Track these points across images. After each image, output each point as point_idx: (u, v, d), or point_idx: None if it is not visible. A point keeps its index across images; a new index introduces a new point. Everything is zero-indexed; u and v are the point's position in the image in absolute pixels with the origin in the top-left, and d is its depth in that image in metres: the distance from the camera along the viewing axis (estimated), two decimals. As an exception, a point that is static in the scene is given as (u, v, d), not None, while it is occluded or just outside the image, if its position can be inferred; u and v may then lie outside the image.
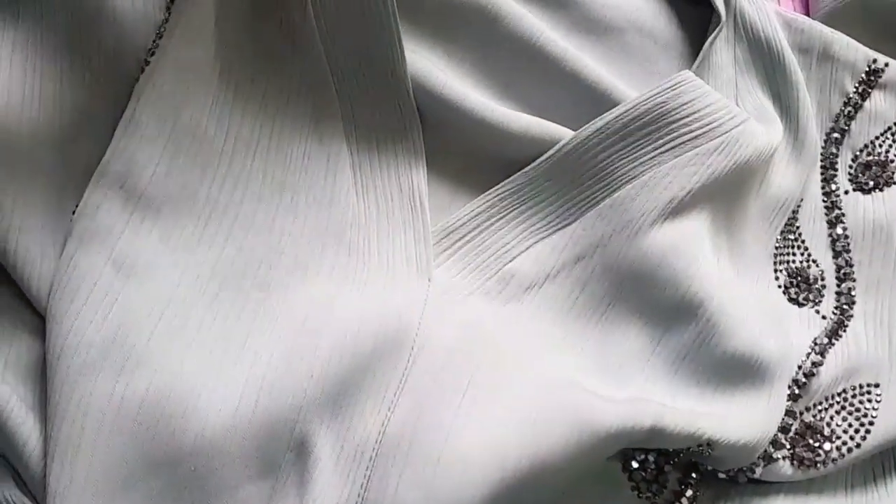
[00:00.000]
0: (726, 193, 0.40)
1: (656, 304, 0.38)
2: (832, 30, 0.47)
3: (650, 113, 0.39)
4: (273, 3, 0.37)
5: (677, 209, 0.38)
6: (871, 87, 0.46)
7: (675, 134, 0.38)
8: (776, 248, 0.42)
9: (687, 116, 0.39)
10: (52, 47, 0.33)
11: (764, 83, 0.45)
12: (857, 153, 0.45)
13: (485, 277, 0.38)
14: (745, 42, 0.45)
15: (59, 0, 0.33)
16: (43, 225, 0.33)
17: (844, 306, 0.42)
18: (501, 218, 0.39)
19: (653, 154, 0.38)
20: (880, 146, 0.45)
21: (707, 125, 0.39)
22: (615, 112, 0.39)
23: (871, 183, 0.44)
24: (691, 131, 0.39)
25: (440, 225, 0.39)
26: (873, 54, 0.46)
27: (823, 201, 0.44)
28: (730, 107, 0.40)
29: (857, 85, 0.46)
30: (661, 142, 0.38)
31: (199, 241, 0.35)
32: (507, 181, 0.40)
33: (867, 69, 0.46)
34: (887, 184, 0.44)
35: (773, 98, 0.44)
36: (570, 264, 0.39)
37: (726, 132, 0.39)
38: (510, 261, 0.39)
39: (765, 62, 0.45)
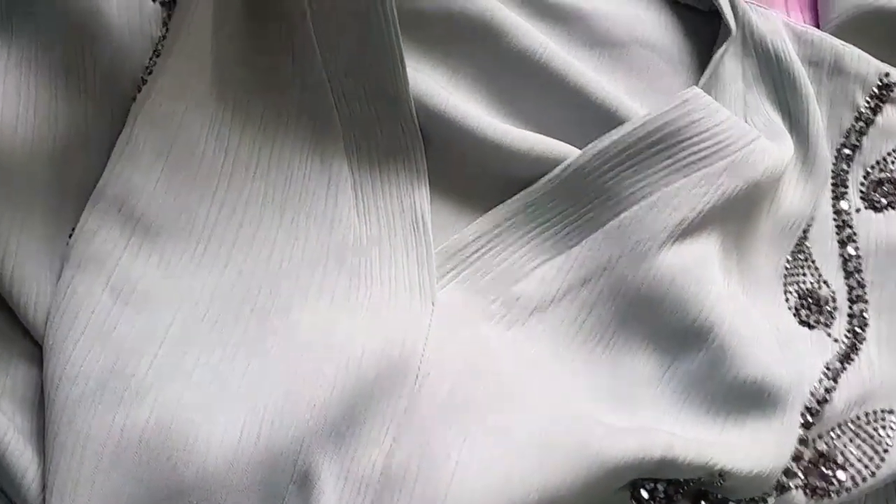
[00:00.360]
0: (736, 214, 0.39)
1: (665, 329, 0.37)
2: (843, 42, 0.46)
3: (658, 132, 0.38)
4: (272, 23, 0.37)
5: (687, 231, 0.37)
6: (884, 102, 0.45)
7: (683, 153, 0.38)
8: (786, 268, 0.42)
9: (696, 135, 0.38)
10: (47, 66, 0.32)
11: (773, 97, 0.44)
12: (869, 170, 0.44)
13: (489, 300, 0.38)
14: (753, 55, 0.44)
15: (54, 18, 0.32)
16: (39, 249, 0.33)
17: (857, 329, 0.41)
18: (505, 239, 0.39)
19: (661, 174, 0.38)
20: (893, 163, 0.44)
21: (717, 144, 0.38)
22: (622, 131, 0.38)
23: (884, 201, 0.43)
24: (700, 150, 0.38)
25: (443, 246, 0.38)
26: (886, 67, 0.45)
27: (834, 220, 0.43)
28: (740, 125, 0.39)
29: (868, 99, 0.45)
30: (669, 161, 0.38)
31: (198, 266, 0.34)
32: (510, 201, 0.39)
33: (879, 83, 0.45)
34: None
35: (783, 113, 0.43)
36: (576, 287, 0.38)
37: (736, 151, 0.38)
38: (515, 283, 0.38)
39: (774, 76, 0.44)
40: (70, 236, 0.33)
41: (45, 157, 0.32)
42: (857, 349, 0.40)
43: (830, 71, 0.45)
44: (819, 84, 0.45)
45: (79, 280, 0.33)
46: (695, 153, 0.38)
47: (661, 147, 0.38)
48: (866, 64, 0.45)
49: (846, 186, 0.44)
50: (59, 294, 0.32)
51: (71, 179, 0.33)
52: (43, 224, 0.33)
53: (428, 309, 0.36)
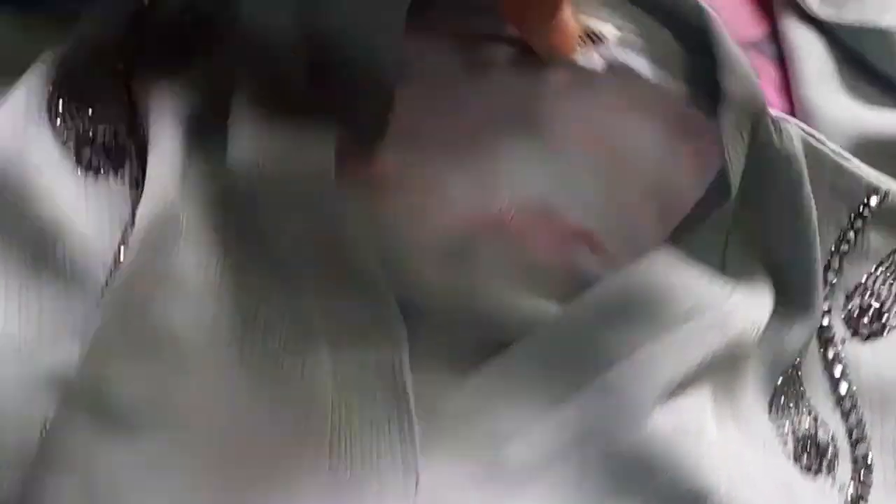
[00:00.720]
0: (724, 365, 0.38)
1: (661, 493, 0.35)
2: (840, 151, 0.43)
3: (637, 292, 0.37)
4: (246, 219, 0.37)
5: (677, 388, 0.36)
6: (866, 222, 0.43)
7: (665, 311, 0.37)
8: (780, 412, 0.40)
9: (676, 293, 0.37)
10: (15, 259, 0.32)
11: (758, 245, 0.42)
12: (850, 295, 0.42)
13: (476, 467, 0.36)
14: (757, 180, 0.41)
15: (21, 214, 0.32)
16: (10, 446, 0.32)
17: (862, 472, 0.39)
18: (489, 401, 0.37)
19: (643, 332, 0.37)
20: (872, 283, 0.42)
21: (698, 302, 0.37)
22: (600, 290, 0.38)
23: (868, 329, 0.42)
24: (682, 309, 0.37)
25: (425, 413, 0.37)
26: (875, 183, 0.43)
27: (823, 354, 0.42)
28: (719, 283, 0.38)
29: (852, 217, 0.43)
30: (651, 321, 0.37)
31: (173, 459, 0.33)
32: (492, 362, 0.38)
33: (864, 201, 0.43)
34: (884, 329, 0.42)
35: (779, 244, 0.41)
36: (565, 450, 0.36)
37: (718, 308, 0.37)
38: (502, 447, 0.37)
39: (780, 206, 0.40)
40: (41, 432, 0.32)
41: (14, 350, 0.32)
42: (865, 498, 0.38)
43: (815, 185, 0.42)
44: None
45: (49, 479, 0.32)
46: (677, 311, 0.37)
47: (642, 306, 0.37)
48: (850, 178, 0.42)
49: (830, 313, 0.42)
50: (28, 495, 0.31)
51: (41, 373, 0.33)
52: (15, 421, 0.32)
53: (412, 485, 0.35)
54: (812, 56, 0.50)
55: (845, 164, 0.43)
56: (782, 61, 0.51)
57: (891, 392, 0.40)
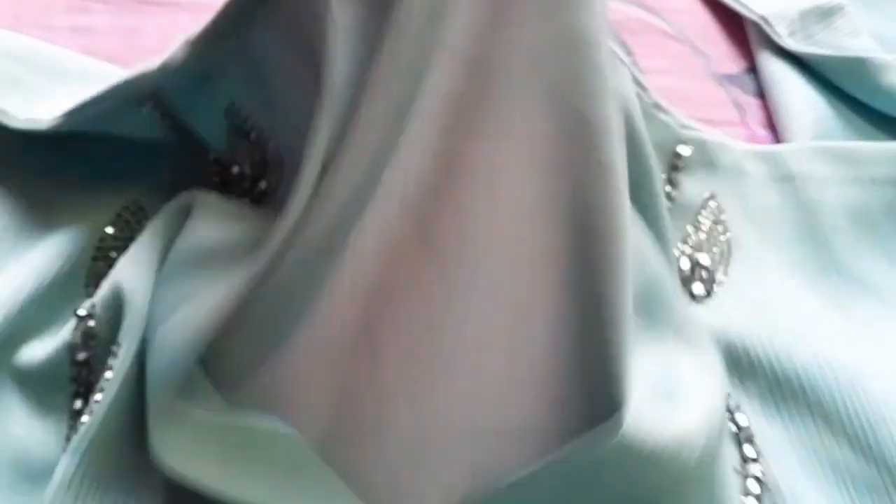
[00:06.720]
0: None
1: None
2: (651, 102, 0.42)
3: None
4: None
5: None
6: (679, 171, 0.41)
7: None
8: None
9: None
10: None
11: None
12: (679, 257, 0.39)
13: None
14: None
15: None
16: None
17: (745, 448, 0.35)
18: None
19: None
20: (696, 234, 0.39)
21: None
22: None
23: (702, 290, 0.39)
24: None
25: None
26: (682, 132, 0.41)
27: None
28: None
29: (668, 169, 0.41)
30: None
31: None
32: None
33: (675, 150, 0.41)
34: (714, 284, 0.38)
35: None
36: None
37: None
38: None
39: None
40: None
41: None
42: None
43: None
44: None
45: None
46: None
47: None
48: (668, 131, 0.41)
49: None
50: None
51: None
52: None
53: None
54: (792, 91, 0.51)
55: (659, 114, 0.41)
56: (763, 95, 0.52)
57: (737, 353, 0.36)
